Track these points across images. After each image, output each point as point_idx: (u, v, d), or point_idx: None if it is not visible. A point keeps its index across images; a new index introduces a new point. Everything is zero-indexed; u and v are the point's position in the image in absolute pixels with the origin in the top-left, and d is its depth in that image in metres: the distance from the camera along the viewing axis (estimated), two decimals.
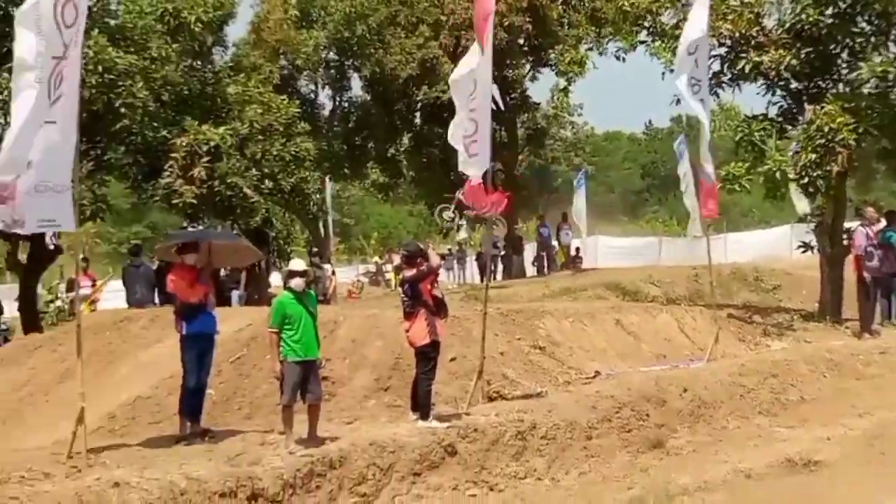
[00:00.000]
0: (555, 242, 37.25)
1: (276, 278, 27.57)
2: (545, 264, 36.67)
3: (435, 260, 13.45)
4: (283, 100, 25.75)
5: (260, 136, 23.94)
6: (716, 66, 22.49)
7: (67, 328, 19.33)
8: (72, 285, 26.75)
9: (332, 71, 37.14)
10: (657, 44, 23.67)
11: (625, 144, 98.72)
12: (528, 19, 33.15)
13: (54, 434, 13.18)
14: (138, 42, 21.79)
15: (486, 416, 13.38)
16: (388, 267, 48.13)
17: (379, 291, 43.01)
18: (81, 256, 24.88)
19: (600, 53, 35.04)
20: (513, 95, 37.01)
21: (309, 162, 26.14)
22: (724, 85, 23.09)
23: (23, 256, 24.13)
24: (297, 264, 12.83)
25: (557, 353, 17.35)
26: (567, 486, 12.56)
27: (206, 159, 21.68)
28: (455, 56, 31.83)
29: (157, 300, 21.85)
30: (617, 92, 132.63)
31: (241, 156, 23.08)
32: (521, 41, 33.98)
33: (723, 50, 22.69)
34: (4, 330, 23.82)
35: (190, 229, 21.14)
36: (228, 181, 22.19)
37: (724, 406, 15.84)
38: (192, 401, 12.71)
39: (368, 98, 37.76)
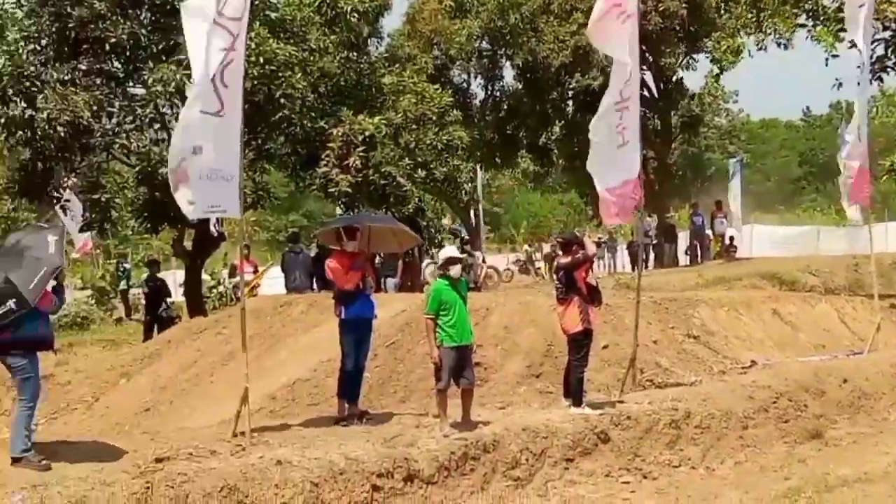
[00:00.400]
0: (708, 231, 36.68)
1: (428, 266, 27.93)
2: (698, 253, 36.14)
3: (591, 248, 13.49)
4: (437, 89, 25.93)
5: (413, 126, 24.14)
6: (879, 51, 21.85)
7: (231, 312, 20.02)
8: (234, 271, 27.62)
9: (485, 60, 37.31)
10: (818, 28, 23.07)
11: (781, 132, 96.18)
12: (684, 4, 32.67)
13: (219, 413, 13.67)
14: (297, 34, 22.20)
15: (639, 403, 13.37)
16: (538, 255, 48.15)
17: (529, 280, 43.06)
18: (244, 243, 25.61)
19: (759, 48, 34.23)
20: (668, 83, 36.61)
21: (461, 151, 26.32)
22: (888, 69, 22.39)
23: (188, 243, 24.95)
24: (453, 251, 12.97)
25: (712, 342, 17.20)
26: (722, 475, 12.46)
27: (361, 149, 21.96)
28: None
29: (314, 286, 22.34)
30: (774, 78, 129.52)
31: (395, 145, 23.35)
32: (677, 27, 33.46)
33: (887, 34, 22.01)
34: (168, 308, 24.69)
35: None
36: (382, 170, 22.46)
37: (885, 397, 15.48)
38: (350, 383, 12.98)
39: (520, 87, 37.81)
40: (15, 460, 10.33)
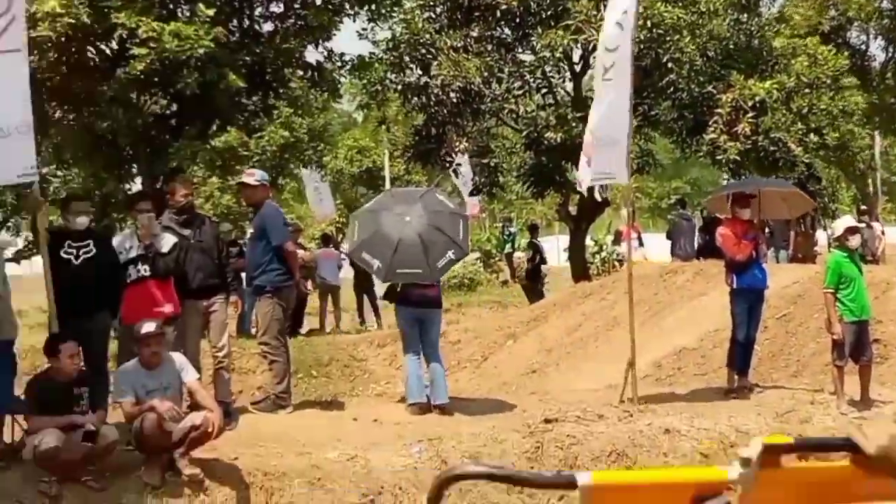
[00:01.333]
0: None
1: (821, 237, 26.80)
2: None
3: None
4: (831, 51, 24.71)
5: (806, 90, 23.16)
6: None
7: (615, 277, 20.07)
8: (619, 237, 27.66)
9: (886, 20, 35.14)
10: None
11: None
12: None
13: (604, 378, 13.69)
14: None
15: None
16: None
17: None
18: (632, 209, 25.56)
19: None
20: None
21: (857, 116, 24.95)
22: None
23: (573, 208, 25.22)
24: (850, 220, 12.38)
25: None
26: None
27: (751, 114, 21.30)
28: None
29: (699, 256, 21.88)
30: None
31: (786, 110, 22.46)
32: None
33: None
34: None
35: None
36: (772, 136, 21.70)
37: None
38: (741, 354, 12.62)
39: None
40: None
